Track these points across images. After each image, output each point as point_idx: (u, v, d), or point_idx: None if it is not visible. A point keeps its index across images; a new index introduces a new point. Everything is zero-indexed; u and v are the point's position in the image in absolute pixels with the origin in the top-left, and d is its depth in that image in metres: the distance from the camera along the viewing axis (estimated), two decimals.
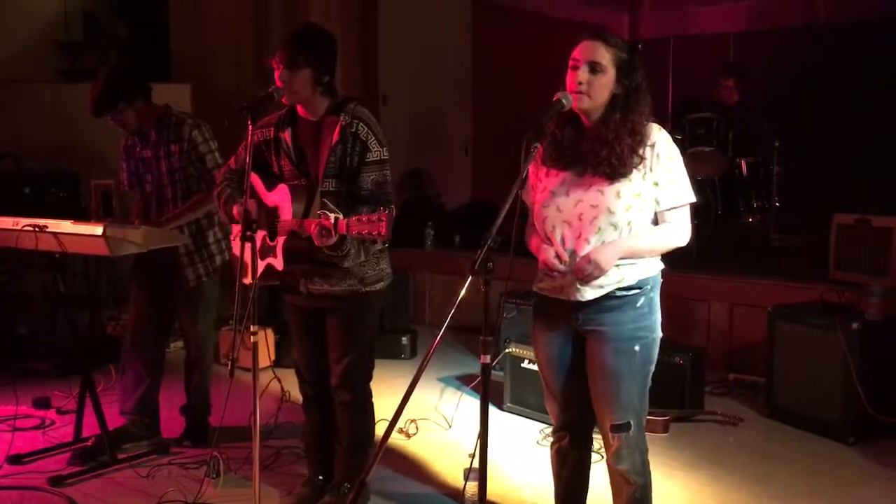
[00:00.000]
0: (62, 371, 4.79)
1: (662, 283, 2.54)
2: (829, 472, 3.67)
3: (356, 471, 3.07)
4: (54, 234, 3.34)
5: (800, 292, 4.68)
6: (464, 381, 4.89)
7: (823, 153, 6.72)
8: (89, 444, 3.71)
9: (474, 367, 4.89)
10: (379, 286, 3.06)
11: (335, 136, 2.90)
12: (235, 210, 2.89)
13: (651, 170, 2.42)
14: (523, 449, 3.93)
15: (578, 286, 2.43)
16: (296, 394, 3.38)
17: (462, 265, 2.19)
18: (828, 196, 5.89)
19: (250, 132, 2.80)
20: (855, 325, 3.94)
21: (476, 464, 2.29)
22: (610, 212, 2.40)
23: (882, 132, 6.51)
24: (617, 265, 2.41)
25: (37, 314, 5.12)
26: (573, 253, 2.44)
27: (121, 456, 3.66)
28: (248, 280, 2.76)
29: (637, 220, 2.42)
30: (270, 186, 2.98)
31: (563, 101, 2.41)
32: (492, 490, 3.32)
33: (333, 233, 2.62)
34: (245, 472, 3.46)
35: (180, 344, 4.72)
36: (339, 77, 3.02)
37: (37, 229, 3.35)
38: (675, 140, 2.52)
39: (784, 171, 6.10)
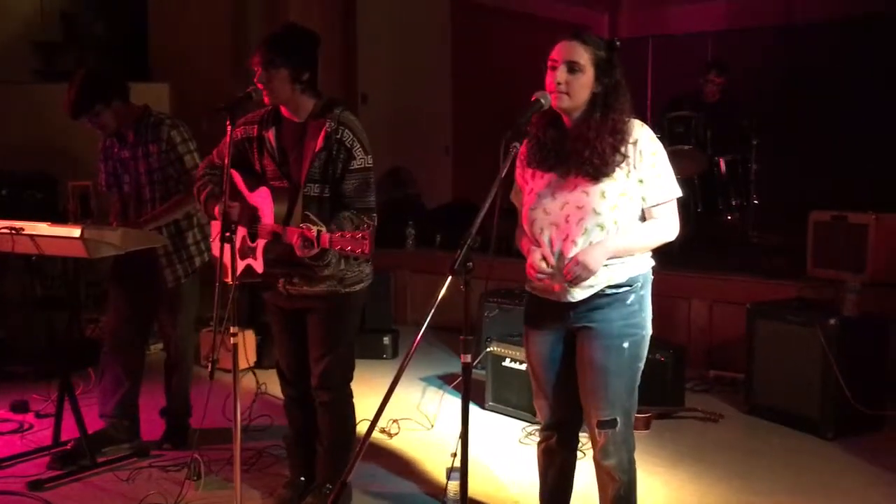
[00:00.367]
0: (41, 374, 4.74)
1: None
2: (810, 467, 3.71)
3: (337, 471, 3.06)
4: (31, 236, 3.31)
5: (778, 289, 4.73)
6: (446, 381, 4.89)
7: (801, 151, 6.79)
8: (69, 447, 3.67)
9: (456, 367, 4.91)
10: (359, 287, 3.06)
11: (320, 142, 2.88)
12: (217, 209, 2.87)
13: (635, 167, 2.42)
14: (506, 447, 3.93)
15: (568, 288, 2.44)
16: (276, 393, 3.37)
17: (443, 265, 2.19)
18: (806, 193, 5.96)
19: (229, 133, 2.79)
20: (832, 322, 3.98)
21: (458, 463, 2.29)
22: (596, 213, 2.40)
23: (858, 130, 6.58)
24: (606, 264, 2.41)
25: (15, 317, 5.07)
26: (560, 255, 2.44)
27: (100, 459, 3.63)
28: (228, 279, 2.74)
29: (623, 219, 2.43)
30: (252, 186, 2.96)
31: (542, 100, 2.41)
32: (475, 489, 3.34)
33: (316, 245, 2.61)
34: (226, 474, 3.44)
35: (160, 346, 4.69)
36: (319, 76, 3.00)
37: (13, 231, 3.32)
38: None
39: (762, 170, 6.15)
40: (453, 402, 4.49)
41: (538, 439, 2.74)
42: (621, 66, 2.46)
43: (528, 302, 2.64)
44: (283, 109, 2.98)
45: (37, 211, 5.30)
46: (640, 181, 2.43)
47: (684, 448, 3.92)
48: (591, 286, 2.44)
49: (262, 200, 2.90)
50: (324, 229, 2.61)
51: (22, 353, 4.98)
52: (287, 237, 2.75)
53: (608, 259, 2.41)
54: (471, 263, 2.19)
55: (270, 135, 2.98)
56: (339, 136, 2.88)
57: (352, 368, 3.18)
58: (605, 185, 2.41)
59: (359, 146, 2.90)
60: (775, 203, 6.25)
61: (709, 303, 5.13)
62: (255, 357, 5.11)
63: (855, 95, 6.57)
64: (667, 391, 4.35)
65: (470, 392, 2.28)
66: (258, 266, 2.89)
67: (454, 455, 2.39)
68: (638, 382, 2.54)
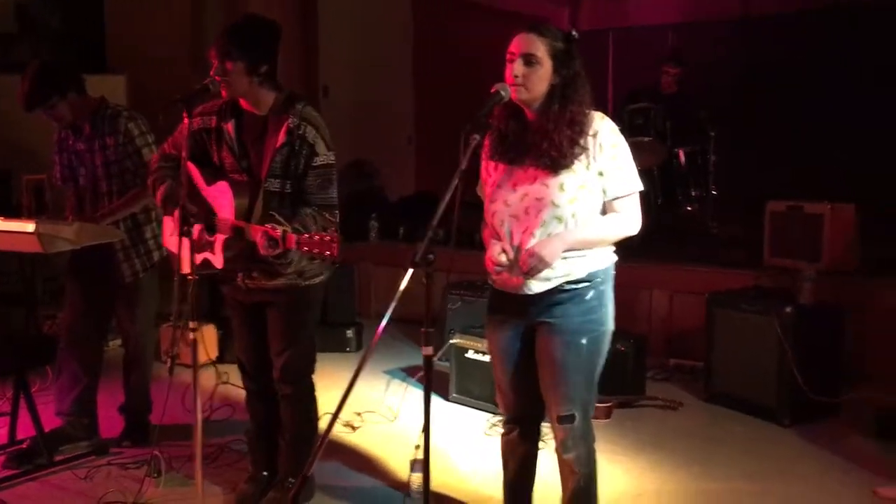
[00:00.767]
0: None
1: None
2: (767, 454, 3.78)
3: (300, 465, 3.04)
4: None
5: (737, 279, 4.80)
6: (409, 373, 4.89)
7: (758, 143, 6.89)
8: (25, 446, 3.60)
9: (420, 359, 4.86)
10: (318, 280, 3.05)
11: (281, 137, 2.85)
12: (161, 191, 2.83)
13: (594, 159, 2.42)
14: (470, 439, 3.95)
15: (525, 280, 2.44)
16: (237, 383, 3.34)
17: (407, 257, 2.18)
18: (763, 184, 6.05)
19: (187, 126, 2.75)
20: (788, 310, 4.06)
21: (422, 455, 2.29)
22: (554, 205, 2.40)
23: (814, 122, 6.69)
24: (564, 257, 2.41)
25: None
26: (519, 247, 2.44)
27: (58, 458, 3.58)
28: (182, 270, 2.71)
29: (582, 212, 2.42)
30: (210, 180, 2.92)
31: (502, 92, 2.41)
32: (439, 480, 3.35)
33: (280, 245, 2.59)
34: (187, 471, 3.41)
35: (119, 342, 4.62)
36: (279, 69, 2.97)
37: None
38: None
39: (721, 161, 6.24)
40: (417, 395, 4.49)
41: (501, 431, 2.75)
42: (580, 58, 2.46)
43: (490, 295, 2.65)
44: (242, 102, 2.94)
45: None
46: (601, 174, 2.43)
47: (645, 436, 3.97)
48: (549, 279, 2.44)
49: (221, 194, 2.87)
50: (289, 229, 2.59)
51: None
52: (250, 235, 2.73)
53: (567, 252, 2.41)
54: (432, 256, 2.18)
55: (230, 127, 2.94)
56: (301, 132, 2.85)
57: (313, 361, 3.17)
58: (564, 177, 2.41)
59: (321, 142, 2.88)
60: (734, 194, 6.34)
61: (669, 293, 5.19)
62: (217, 352, 5.06)
63: (811, 87, 6.68)
64: (628, 380, 4.40)
65: (432, 384, 2.28)
66: (217, 261, 2.86)
67: (418, 447, 2.39)
68: (598, 377, 2.55)
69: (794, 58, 6.83)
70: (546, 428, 2.69)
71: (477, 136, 2.32)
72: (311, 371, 3.15)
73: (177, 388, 3.38)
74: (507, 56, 2.43)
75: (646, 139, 5.91)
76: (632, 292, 5.18)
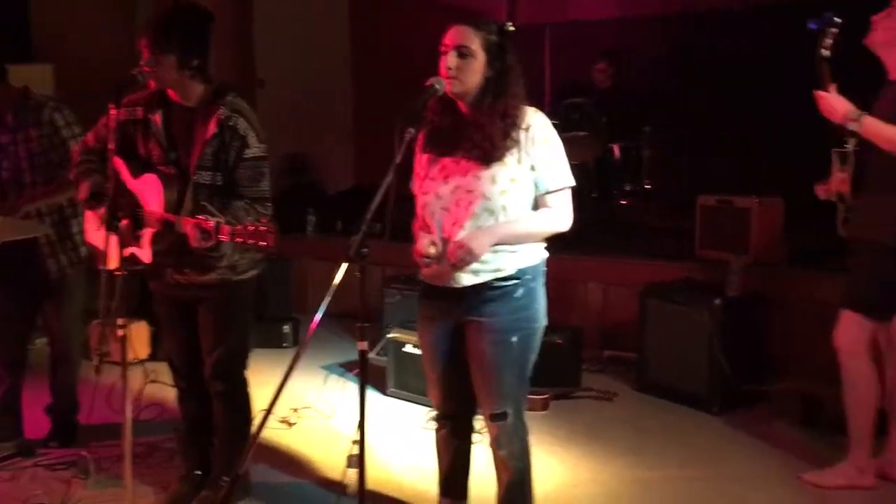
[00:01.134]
0: None
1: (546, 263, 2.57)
2: (697, 441, 3.87)
3: (234, 463, 3.01)
4: None
5: (669, 271, 4.89)
6: (347, 368, 4.86)
7: (691, 138, 7.03)
8: None
9: (357, 354, 4.87)
10: (251, 274, 3.00)
11: (211, 129, 2.79)
12: (85, 187, 2.76)
13: (527, 153, 2.42)
14: (407, 433, 3.95)
15: (454, 273, 2.44)
16: (167, 381, 3.28)
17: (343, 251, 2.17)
18: (696, 178, 6.18)
19: (113, 118, 2.68)
20: (717, 302, 4.16)
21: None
22: (485, 197, 2.41)
23: (745, 118, 6.85)
24: (494, 251, 2.42)
25: None
26: (446, 240, 2.44)
27: None
28: (109, 266, 2.64)
29: (513, 205, 2.43)
30: (136, 172, 2.85)
31: (436, 85, 2.41)
32: (375, 476, 3.33)
33: (213, 237, 2.54)
34: (117, 471, 3.31)
35: (45, 340, 4.48)
36: (213, 60, 2.91)
37: None
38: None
39: (655, 156, 6.35)
40: (355, 390, 4.42)
41: (435, 427, 2.76)
42: (514, 51, 2.46)
43: (421, 291, 2.64)
44: (170, 93, 2.87)
45: None
46: (533, 168, 2.44)
47: (580, 427, 4.03)
48: (477, 273, 2.44)
49: (149, 187, 2.80)
50: (222, 220, 2.55)
51: None
52: (181, 227, 2.67)
53: (497, 246, 2.41)
54: (366, 250, 2.18)
55: (157, 118, 2.87)
56: (231, 124, 2.80)
57: (246, 357, 3.12)
58: (496, 169, 2.41)
59: (252, 134, 2.83)
60: (667, 188, 6.46)
61: (604, 286, 5.26)
62: (150, 349, 4.95)
63: (743, 84, 6.83)
64: (563, 372, 4.45)
65: (368, 379, 2.28)
66: (145, 256, 2.79)
67: (354, 442, 2.39)
68: (530, 372, 2.56)
69: (727, 54, 6.97)
70: (481, 422, 2.71)
71: (412, 130, 2.32)
72: (244, 368, 3.11)
73: (105, 388, 3.30)
74: (441, 48, 2.43)
75: (582, 134, 5.97)
76: (567, 285, 5.24)
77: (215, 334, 2.97)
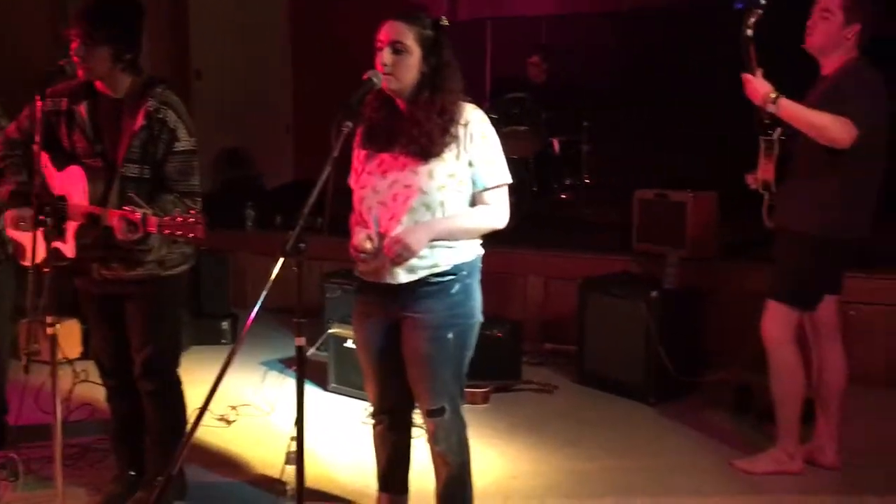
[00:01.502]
0: None
1: (483, 260, 2.57)
2: (634, 431, 3.95)
3: (168, 462, 2.94)
4: None
5: (608, 264, 4.97)
6: (287, 365, 4.81)
7: (629, 133, 7.14)
8: None
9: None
10: (180, 269, 2.94)
11: (139, 121, 2.72)
12: (6, 189, 2.68)
13: (465, 150, 2.42)
14: (347, 429, 3.93)
15: (391, 269, 2.43)
16: (97, 380, 3.20)
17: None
18: (633, 172, 6.28)
19: (39, 109, 2.60)
20: (654, 294, 4.24)
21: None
22: (423, 192, 2.40)
23: (682, 114, 6.99)
24: (431, 247, 2.41)
25: None
26: (383, 235, 2.43)
27: None
28: (28, 263, 2.56)
29: (451, 201, 2.42)
30: (61, 165, 2.77)
31: (374, 79, 2.39)
32: (314, 472, 3.32)
33: (140, 229, 2.48)
34: (48, 473, 3.23)
35: None
36: (147, 50, 2.84)
37: None
38: (490, 119, 2.53)
39: (593, 150, 6.43)
40: (294, 386, 4.42)
41: (373, 422, 2.75)
42: (450, 46, 2.45)
43: (357, 287, 2.63)
44: (97, 84, 2.79)
45: None
46: (470, 164, 2.44)
47: (520, 419, 4.07)
48: (414, 269, 2.43)
49: (74, 180, 2.72)
50: (149, 212, 2.49)
51: None
52: (107, 219, 2.60)
53: (434, 242, 2.41)
54: (303, 244, 2.15)
55: (82, 109, 2.79)
56: (160, 116, 2.74)
57: (178, 355, 3.06)
58: (434, 165, 2.40)
59: (182, 127, 2.77)
60: (604, 181, 6.55)
61: (544, 279, 5.32)
62: (82, 348, 4.82)
63: (678, 79, 6.97)
64: (504, 365, 4.49)
65: (306, 374, 2.26)
66: (68, 250, 2.71)
67: (293, 439, 2.36)
68: (466, 367, 2.57)
69: (663, 50, 7.11)
70: (420, 416, 2.71)
71: (349, 124, 2.29)
72: (176, 366, 3.04)
73: (34, 388, 3.20)
74: (376, 44, 2.41)
75: (521, 128, 6.02)
76: (508, 279, 5.28)
77: (144, 331, 2.90)
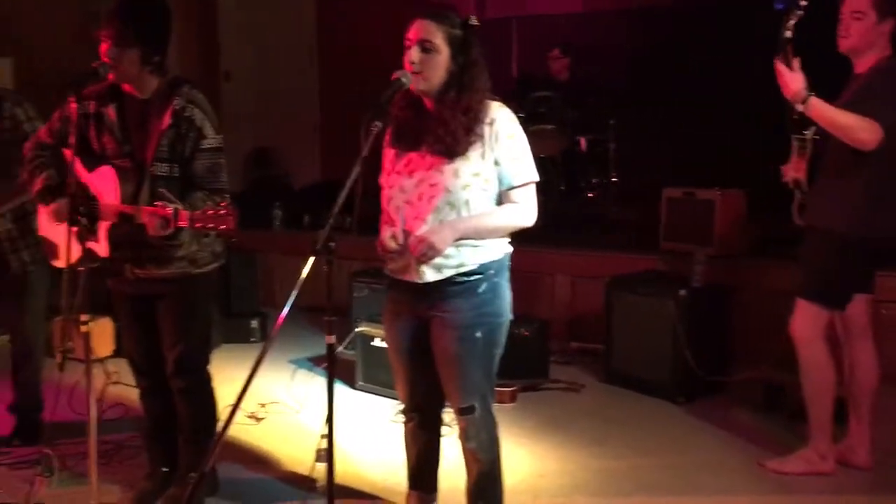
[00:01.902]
0: None
1: (510, 258, 2.56)
2: (661, 430, 3.93)
3: (201, 459, 2.98)
4: None
5: (635, 263, 4.95)
6: (315, 363, 4.85)
7: (657, 131, 7.10)
8: None
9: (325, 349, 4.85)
10: (211, 268, 2.97)
11: (167, 120, 2.76)
12: (54, 206, 2.73)
13: (491, 149, 2.42)
14: (376, 427, 3.95)
15: (417, 267, 2.45)
16: (130, 381, 3.25)
17: (309, 245, 2.17)
18: (660, 171, 6.24)
19: (74, 111, 2.64)
20: (682, 293, 4.22)
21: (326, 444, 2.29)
22: (447, 191, 2.40)
23: (709, 112, 6.94)
24: (457, 246, 2.41)
25: None
26: (408, 233, 2.44)
27: None
28: (62, 263, 2.61)
29: (476, 200, 2.42)
30: (91, 166, 2.81)
31: (403, 79, 2.40)
32: (344, 470, 3.34)
33: (172, 224, 2.52)
34: (82, 469, 3.28)
35: (7, 337, 4.41)
36: (177, 52, 2.89)
37: None
38: (518, 118, 2.52)
39: (620, 148, 6.40)
40: (323, 384, 4.44)
41: (403, 420, 2.77)
42: (479, 45, 2.45)
43: (388, 285, 2.64)
44: (124, 85, 2.84)
45: None
46: (496, 162, 2.44)
47: (547, 418, 4.07)
48: (440, 268, 2.44)
49: (105, 180, 2.76)
50: (181, 207, 2.53)
51: None
52: (140, 217, 2.64)
53: (460, 241, 2.41)
54: (333, 243, 2.18)
55: (111, 111, 2.84)
56: (187, 115, 2.77)
57: (208, 353, 3.10)
58: (459, 163, 2.41)
59: (208, 125, 2.81)
60: (632, 180, 6.51)
61: (571, 278, 5.31)
62: (114, 345, 4.89)
63: (707, 78, 6.91)
64: (531, 364, 4.49)
65: (335, 372, 2.28)
66: (101, 249, 2.76)
67: (323, 437, 2.38)
68: (496, 366, 2.57)
69: (692, 48, 7.05)
70: (450, 414, 2.72)
71: (378, 124, 2.31)
72: (207, 363, 3.08)
73: (68, 385, 3.26)
74: (405, 43, 2.42)
75: (548, 127, 6.00)
76: (535, 278, 5.28)
77: (176, 330, 2.94)
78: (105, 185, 2.78)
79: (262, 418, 4.03)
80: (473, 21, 2.44)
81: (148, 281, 2.90)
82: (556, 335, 4.97)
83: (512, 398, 4.25)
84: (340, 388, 4.28)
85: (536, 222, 2.53)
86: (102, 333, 4.75)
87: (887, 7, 3.07)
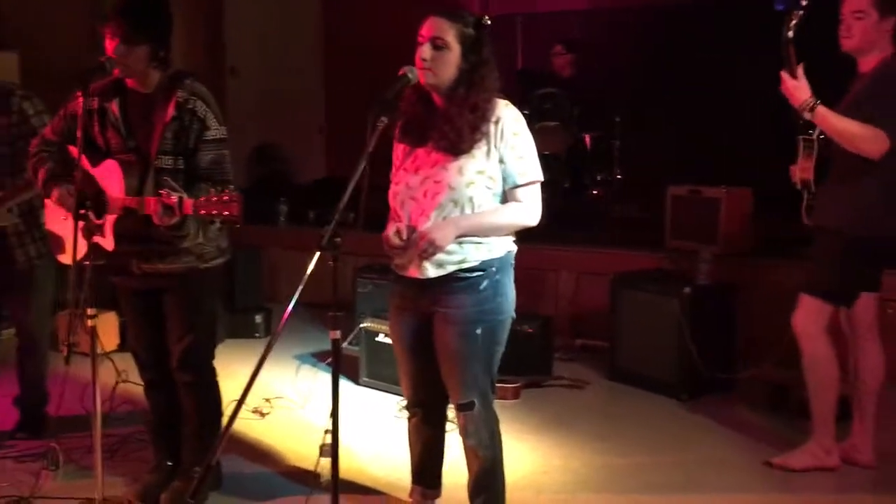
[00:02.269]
0: None
1: (514, 256, 2.56)
2: (665, 427, 3.93)
3: (205, 453, 2.99)
4: None
5: (640, 260, 4.95)
6: (320, 358, 4.86)
7: (662, 128, 7.08)
8: None
9: (330, 344, 4.86)
10: (217, 262, 2.98)
11: (170, 112, 2.77)
12: (56, 193, 2.73)
13: (496, 147, 2.43)
14: (380, 422, 3.96)
15: (420, 263, 2.45)
16: (137, 380, 3.26)
17: (315, 241, 2.17)
18: (665, 168, 6.23)
19: (81, 106, 2.65)
20: (687, 290, 4.21)
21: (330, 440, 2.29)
22: (451, 188, 2.41)
23: (714, 109, 6.93)
24: (460, 243, 2.42)
25: None
26: (413, 229, 2.45)
27: None
28: (67, 259, 2.62)
29: (480, 198, 2.43)
30: (95, 161, 2.82)
31: (409, 75, 2.41)
32: (348, 465, 3.35)
33: (177, 212, 2.52)
34: (87, 463, 3.30)
35: (13, 331, 4.42)
36: (181, 47, 2.89)
37: None
38: (522, 115, 2.53)
39: (625, 146, 6.39)
40: (327, 380, 4.44)
41: (407, 415, 2.77)
42: (490, 44, 2.46)
43: (393, 281, 2.65)
44: (127, 80, 2.85)
45: None
46: (501, 161, 2.44)
47: (551, 415, 4.07)
48: (442, 264, 2.44)
49: (110, 174, 2.77)
50: (185, 195, 2.53)
51: None
52: (144, 209, 2.65)
53: (463, 238, 2.42)
54: (339, 239, 2.18)
55: (114, 106, 2.84)
56: (190, 107, 2.78)
57: (213, 347, 3.11)
58: (464, 161, 2.41)
59: (212, 116, 2.81)
60: (637, 177, 6.50)
61: (576, 274, 5.31)
62: (119, 340, 4.91)
63: (712, 75, 6.90)
64: (535, 361, 4.49)
65: (340, 368, 2.29)
66: (107, 244, 2.76)
67: (327, 432, 2.39)
68: (497, 363, 2.57)
69: (698, 45, 7.04)
70: (453, 410, 2.72)
71: (385, 119, 2.32)
72: (212, 357, 3.09)
73: (74, 379, 3.27)
74: (418, 39, 2.43)
75: (553, 124, 6.00)
76: (540, 274, 5.28)
77: (182, 324, 2.94)
78: (110, 178, 2.78)
79: (267, 413, 4.04)
80: (486, 21, 2.45)
81: (155, 275, 2.91)
82: (560, 332, 4.97)
83: (515, 395, 4.25)
84: (344, 384, 4.28)
85: (541, 219, 2.53)
86: (107, 328, 4.77)
87: (888, 5, 3.07)
